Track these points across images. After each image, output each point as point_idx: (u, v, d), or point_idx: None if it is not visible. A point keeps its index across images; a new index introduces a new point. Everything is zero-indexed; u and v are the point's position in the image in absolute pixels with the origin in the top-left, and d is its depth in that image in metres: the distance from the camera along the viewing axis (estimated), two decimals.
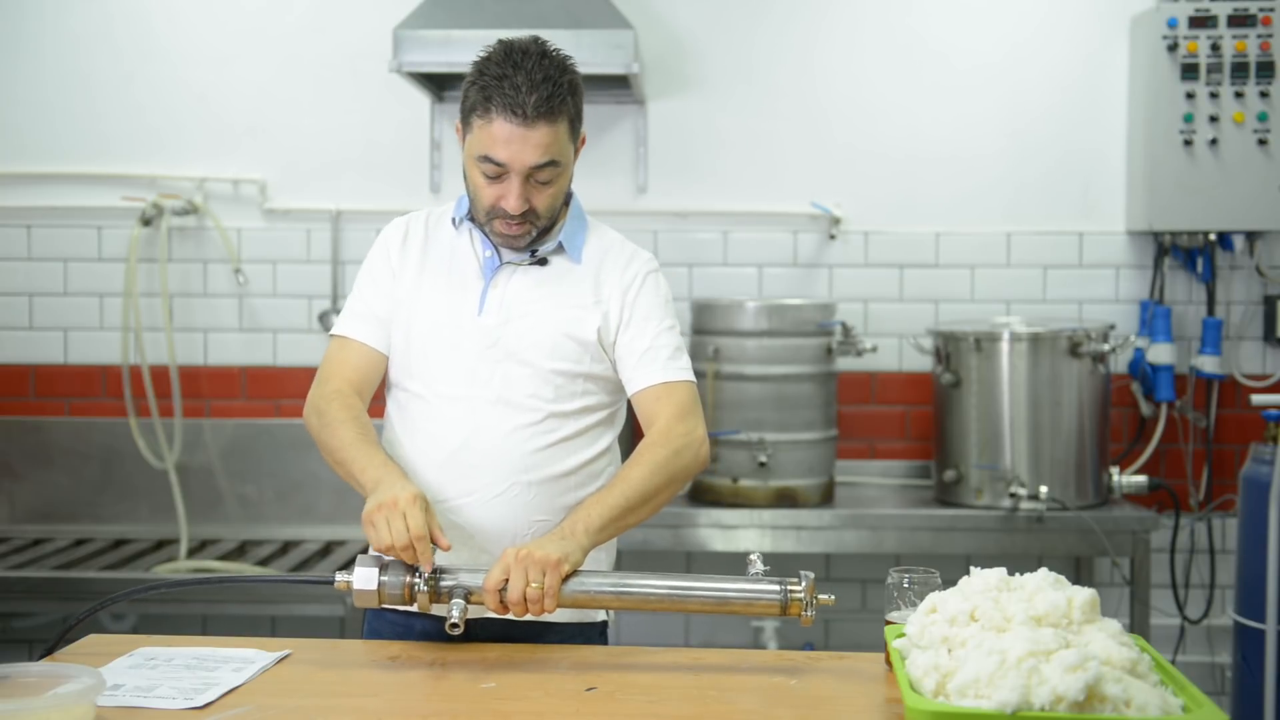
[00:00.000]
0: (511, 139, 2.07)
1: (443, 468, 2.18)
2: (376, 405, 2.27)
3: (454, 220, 2.27)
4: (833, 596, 1.94)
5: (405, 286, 2.24)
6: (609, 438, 2.28)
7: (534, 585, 1.90)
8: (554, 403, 2.19)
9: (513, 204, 2.10)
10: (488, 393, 2.17)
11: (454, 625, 1.90)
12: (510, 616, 1.96)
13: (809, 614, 1.90)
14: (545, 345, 2.18)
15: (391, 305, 2.24)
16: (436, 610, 2.02)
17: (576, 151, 2.20)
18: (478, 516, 2.17)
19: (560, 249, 2.24)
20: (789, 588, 1.92)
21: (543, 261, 2.23)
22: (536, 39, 2.16)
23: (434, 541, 1.95)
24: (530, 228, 2.16)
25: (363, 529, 1.97)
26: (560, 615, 2.18)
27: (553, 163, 2.10)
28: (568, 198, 2.29)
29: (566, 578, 1.94)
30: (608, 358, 2.23)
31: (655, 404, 2.20)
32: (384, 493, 1.97)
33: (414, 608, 2.02)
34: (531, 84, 2.06)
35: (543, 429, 2.18)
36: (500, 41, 2.14)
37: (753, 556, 1.99)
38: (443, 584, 1.94)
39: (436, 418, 2.19)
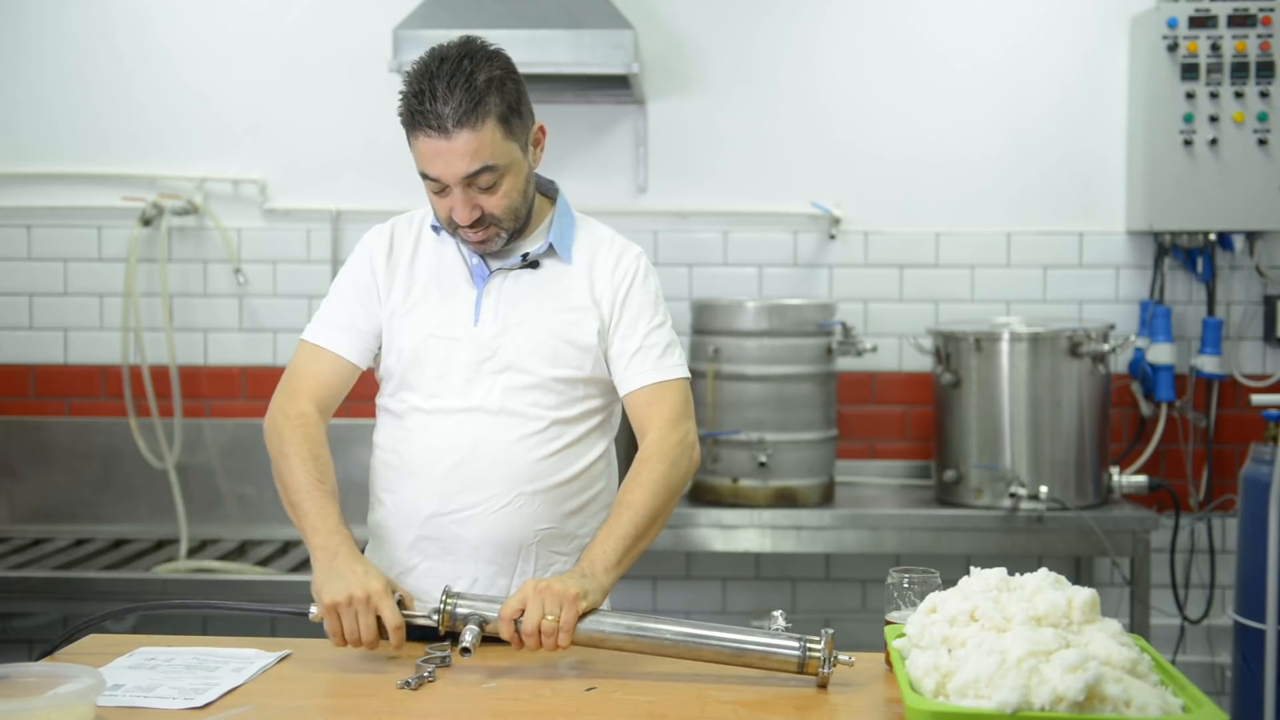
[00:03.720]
0: (437, 153, 2.03)
1: (445, 480, 2.15)
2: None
3: (434, 228, 2.23)
4: (852, 659, 1.87)
5: (395, 299, 2.20)
6: (606, 440, 2.26)
7: (549, 618, 1.88)
8: (557, 409, 2.17)
9: (460, 215, 2.07)
10: (489, 403, 2.15)
11: (465, 650, 1.89)
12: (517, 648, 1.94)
13: (826, 671, 1.85)
14: (545, 353, 2.16)
15: (370, 318, 2.21)
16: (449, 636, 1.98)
17: (533, 144, 2.15)
18: (483, 528, 2.15)
19: (550, 250, 2.21)
20: (808, 645, 1.86)
21: (534, 265, 2.20)
22: (467, 39, 2.09)
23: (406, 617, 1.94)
24: (495, 231, 2.12)
25: (320, 609, 1.93)
26: None
27: (487, 168, 2.04)
28: (552, 193, 2.27)
29: (583, 615, 1.91)
30: (604, 360, 2.21)
31: (648, 408, 2.18)
32: (353, 584, 1.92)
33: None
34: (448, 93, 2.00)
35: (546, 437, 2.16)
36: (430, 50, 2.08)
37: (775, 614, 1.96)
38: (458, 611, 1.93)
39: (437, 430, 2.16)
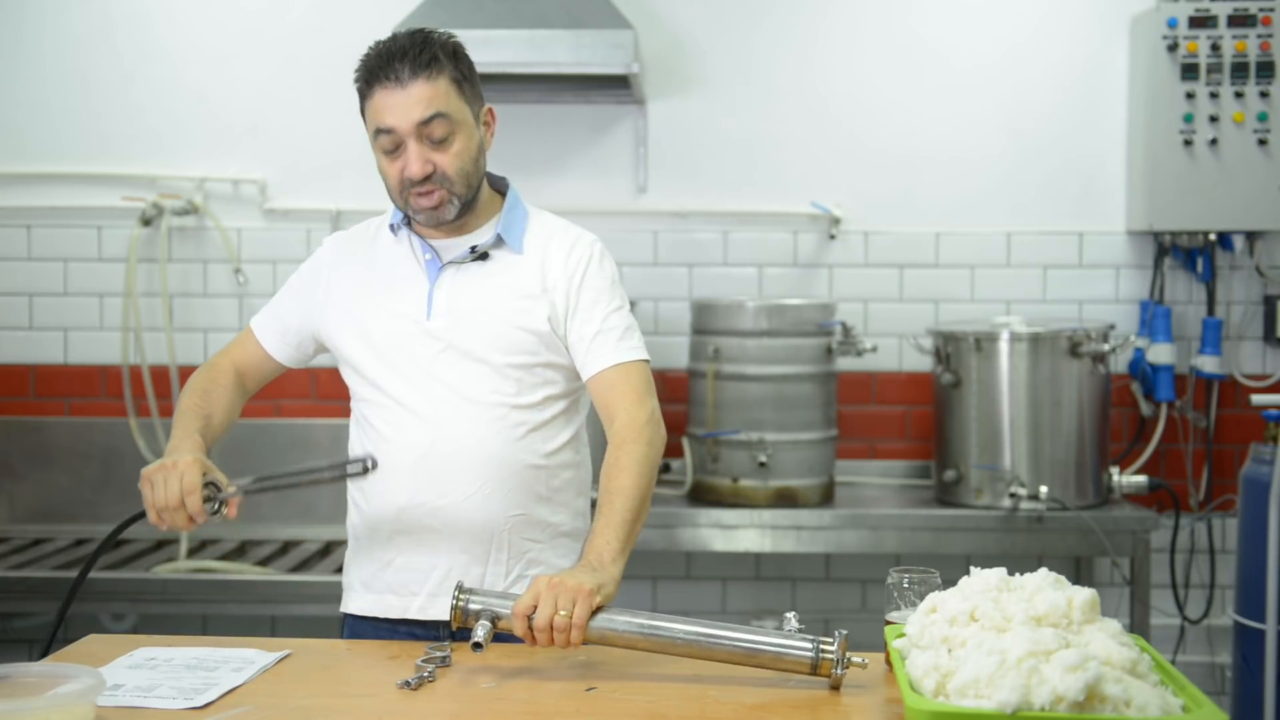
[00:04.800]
0: (394, 104, 2.11)
1: (413, 473, 2.18)
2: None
3: (392, 227, 2.28)
4: (865, 661, 1.86)
5: (346, 301, 2.26)
6: (574, 425, 2.29)
7: (562, 614, 1.87)
8: (516, 396, 2.19)
9: (414, 168, 2.12)
10: (448, 394, 2.18)
11: (477, 645, 1.88)
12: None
13: (840, 673, 1.84)
14: (499, 341, 2.19)
15: (298, 316, 2.32)
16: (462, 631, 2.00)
17: (485, 123, 2.22)
18: (455, 517, 2.17)
19: (500, 241, 2.24)
20: (821, 646, 1.85)
21: (484, 257, 2.23)
22: (422, 29, 2.20)
23: (218, 499, 2.04)
24: (446, 194, 2.15)
25: (140, 487, 2.04)
26: None
27: (440, 115, 2.11)
28: (502, 188, 2.30)
29: (596, 609, 1.91)
30: (563, 346, 2.23)
31: (612, 390, 2.19)
32: (168, 457, 2.06)
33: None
34: (402, 52, 2.11)
35: (508, 424, 2.18)
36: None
37: (789, 615, 1.96)
38: (470, 606, 1.92)
39: (400, 424, 2.19)
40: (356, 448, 2.28)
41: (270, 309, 2.37)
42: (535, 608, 1.88)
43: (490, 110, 2.24)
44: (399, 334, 2.20)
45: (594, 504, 2.17)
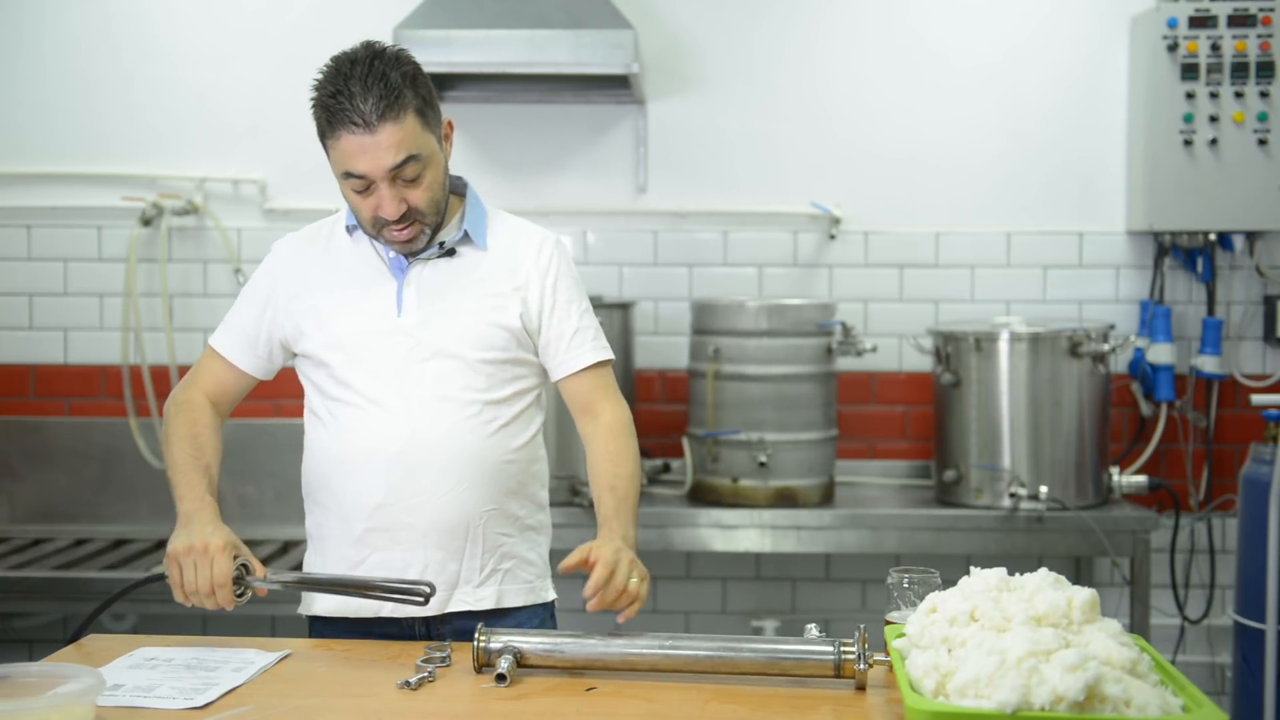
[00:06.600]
0: (363, 149, 2.06)
1: (388, 471, 2.17)
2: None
3: (348, 228, 2.27)
4: (889, 658, 1.86)
5: (311, 301, 2.24)
6: (539, 420, 2.32)
7: (634, 581, 2.00)
8: (487, 392, 2.21)
9: (389, 210, 2.10)
10: (421, 390, 2.18)
11: (500, 676, 1.88)
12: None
13: (863, 667, 1.85)
14: (471, 337, 2.20)
15: (262, 325, 2.28)
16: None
17: (445, 139, 2.20)
18: (430, 514, 2.18)
19: (466, 238, 2.25)
20: (842, 647, 1.87)
21: (451, 253, 2.24)
22: (368, 44, 2.14)
23: (247, 581, 2.01)
24: (420, 228, 2.16)
25: (165, 566, 2.01)
26: (516, 599, 2.24)
27: (412, 158, 2.09)
28: (462, 188, 2.31)
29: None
30: (532, 342, 2.26)
31: (595, 388, 2.27)
32: (195, 535, 2.00)
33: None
34: (365, 90, 2.04)
35: (481, 419, 2.20)
36: (334, 58, 2.12)
37: (810, 626, 1.97)
38: (491, 645, 1.92)
39: (373, 423, 2.19)
40: (319, 445, 2.25)
41: (230, 326, 2.31)
42: (612, 571, 1.98)
43: (449, 123, 2.22)
44: (369, 332, 2.19)
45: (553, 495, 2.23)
